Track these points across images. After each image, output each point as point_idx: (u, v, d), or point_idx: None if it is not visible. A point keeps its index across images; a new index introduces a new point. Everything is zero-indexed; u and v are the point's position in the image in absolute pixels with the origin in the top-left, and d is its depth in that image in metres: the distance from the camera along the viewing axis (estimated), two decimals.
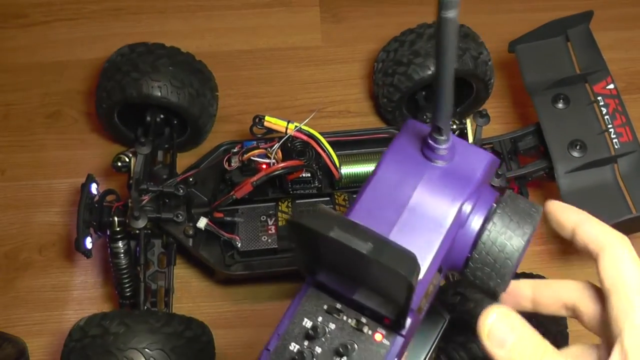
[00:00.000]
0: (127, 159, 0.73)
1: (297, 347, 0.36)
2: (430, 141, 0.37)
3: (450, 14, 0.28)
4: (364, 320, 0.36)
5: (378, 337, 0.36)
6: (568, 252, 0.81)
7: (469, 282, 0.39)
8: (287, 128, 0.72)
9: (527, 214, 0.38)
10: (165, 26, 1.00)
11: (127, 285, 0.72)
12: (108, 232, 0.71)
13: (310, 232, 0.32)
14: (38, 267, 0.81)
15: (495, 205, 0.38)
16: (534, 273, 0.67)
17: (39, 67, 0.96)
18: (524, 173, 0.76)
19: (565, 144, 0.73)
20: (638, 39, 0.99)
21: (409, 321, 0.35)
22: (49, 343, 0.76)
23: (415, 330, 0.38)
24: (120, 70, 0.77)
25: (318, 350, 0.35)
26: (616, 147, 0.73)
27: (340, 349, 0.35)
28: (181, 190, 0.72)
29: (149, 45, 0.80)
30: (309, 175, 0.73)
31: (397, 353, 0.35)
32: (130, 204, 0.70)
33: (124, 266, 0.71)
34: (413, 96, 0.83)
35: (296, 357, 0.35)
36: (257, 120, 0.73)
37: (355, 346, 0.35)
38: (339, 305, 0.37)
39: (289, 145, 0.72)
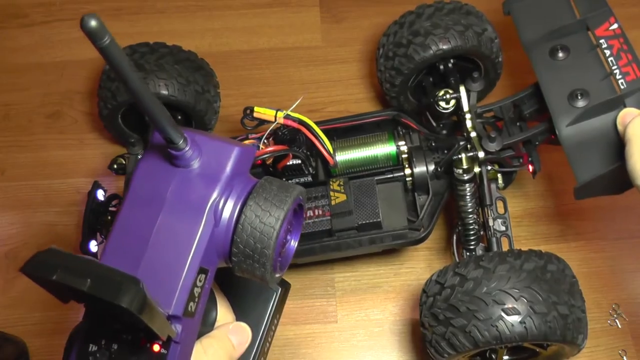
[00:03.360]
0: (123, 161, 0.73)
1: None
2: (170, 150, 0.37)
3: (105, 42, 0.30)
4: (141, 334, 0.37)
5: (156, 347, 0.37)
6: (568, 251, 0.80)
7: (240, 273, 0.39)
8: (276, 116, 0.72)
9: (278, 200, 0.37)
10: (165, 26, 1.00)
11: None
12: None
13: (39, 278, 0.34)
14: None
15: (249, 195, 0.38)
16: None
17: (39, 67, 0.96)
18: (524, 137, 0.71)
19: (564, 95, 0.67)
20: (638, 39, 0.99)
21: (179, 328, 0.37)
22: (49, 343, 0.76)
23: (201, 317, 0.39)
24: None
25: None
26: (622, 87, 0.66)
27: None
28: None
29: (151, 45, 0.80)
30: (299, 161, 0.71)
31: (176, 358, 0.37)
32: None
33: None
34: (420, 83, 0.81)
35: None
36: (247, 112, 0.72)
37: None
38: (118, 326, 0.38)
39: (280, 134, 0.71)
